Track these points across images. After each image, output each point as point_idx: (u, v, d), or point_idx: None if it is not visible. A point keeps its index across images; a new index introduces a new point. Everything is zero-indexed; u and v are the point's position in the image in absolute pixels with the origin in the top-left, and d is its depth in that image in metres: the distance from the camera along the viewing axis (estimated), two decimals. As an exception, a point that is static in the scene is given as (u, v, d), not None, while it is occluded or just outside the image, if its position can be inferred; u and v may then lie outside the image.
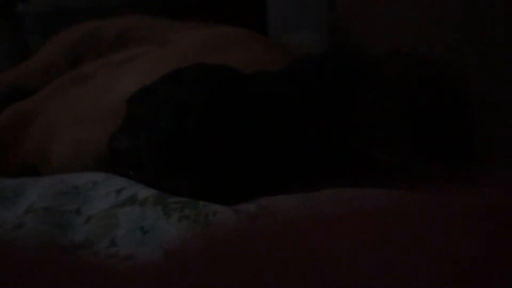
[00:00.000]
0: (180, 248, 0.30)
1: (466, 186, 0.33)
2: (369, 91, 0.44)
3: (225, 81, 0.41)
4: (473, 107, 0.47)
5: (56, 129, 0.58)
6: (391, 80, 0.45)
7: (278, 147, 0.41)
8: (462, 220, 0.28)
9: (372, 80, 0.45)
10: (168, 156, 0.39)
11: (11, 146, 0.60)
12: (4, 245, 0.33)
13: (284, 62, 0.66)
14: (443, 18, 0.56)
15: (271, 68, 0.62)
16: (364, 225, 0.28)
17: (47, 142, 0.58)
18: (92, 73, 0.62)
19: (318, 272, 0.24)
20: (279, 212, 0.35)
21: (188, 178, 0.38)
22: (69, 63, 0.92)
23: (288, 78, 0.45)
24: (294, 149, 0.41)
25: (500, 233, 0.25)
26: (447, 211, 0.30)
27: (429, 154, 0.42)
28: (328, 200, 0.36)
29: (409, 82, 0.46)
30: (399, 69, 0.48)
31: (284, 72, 0.47)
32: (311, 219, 0.30)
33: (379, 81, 0.45)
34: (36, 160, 0.59)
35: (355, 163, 0.41)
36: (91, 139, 0.57)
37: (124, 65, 0.61)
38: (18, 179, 0.44)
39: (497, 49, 0.45)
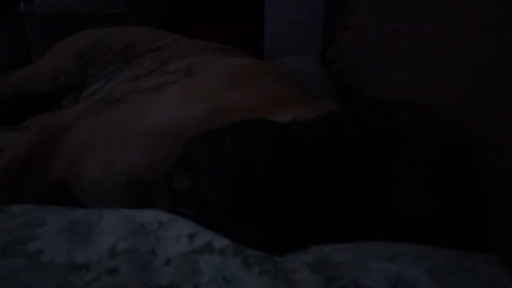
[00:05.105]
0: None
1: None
2: (402, 148, 0.49)
3: (285, 137, 0.46)
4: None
5: (88, 148, 0.60)
6: (421, 137, 0.51)
7: (329, 198, 0.46)
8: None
9: (402, 137, 0.50)
10: (234, 203, 0.43)
11: (43, 162, 0.61)
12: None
13: (299, 97, 0.72)
14: (447, 64, 0.62)
15: (289, 102, 0.68)
16: None
17: (79, 161, 0.60)
18: (123, 98, 0.64)
19: None
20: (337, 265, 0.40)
21: (254, 226, 0.43)
22: (77, 70, 0.92)
23: (332, 133, 0.50)
24: (341, 201, 0.47)
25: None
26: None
27: (456, 210, 0.48)
28: (377, 254, 0.42)
29: (435, 139, 0.52)
30: (422, 124, 0.54)
31: (327, 126, 0.52)
32: None
33: (409, 137, 0.51)
34: (68, 177, 0.61)
35: (391, 220, 0.47)
36: (122, 161, 0.60)
37: (154, 91, 0.64)
38: (78, 211, 0.46)
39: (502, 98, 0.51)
